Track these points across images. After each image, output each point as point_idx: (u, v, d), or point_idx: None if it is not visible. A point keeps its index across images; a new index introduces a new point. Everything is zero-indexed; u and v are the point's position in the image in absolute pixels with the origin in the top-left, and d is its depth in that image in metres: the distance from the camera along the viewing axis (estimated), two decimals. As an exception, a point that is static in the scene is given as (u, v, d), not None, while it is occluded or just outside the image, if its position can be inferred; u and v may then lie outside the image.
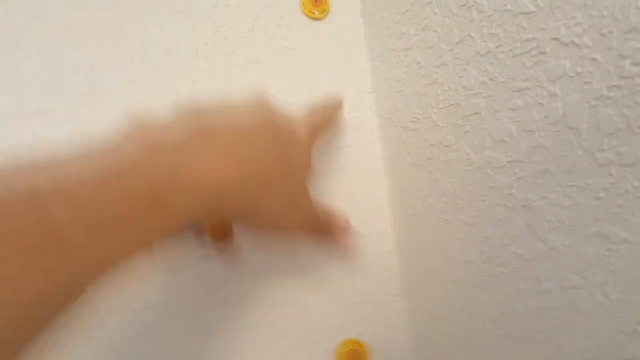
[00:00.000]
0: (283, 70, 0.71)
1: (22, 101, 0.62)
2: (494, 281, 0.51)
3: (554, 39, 0.40)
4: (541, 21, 0.42)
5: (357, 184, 0.70)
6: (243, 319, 0.63)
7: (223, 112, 0.42)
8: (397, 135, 0.66)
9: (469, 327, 0.55)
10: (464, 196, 0.54)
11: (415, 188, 0.63)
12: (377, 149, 0.71)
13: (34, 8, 0.65)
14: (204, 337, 0.61)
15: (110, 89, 0.65)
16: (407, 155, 0.64)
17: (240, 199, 0.39)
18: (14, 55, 0.63)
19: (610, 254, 0.38)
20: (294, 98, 0.70)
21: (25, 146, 0.61)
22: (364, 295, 0.68)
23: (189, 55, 0.68)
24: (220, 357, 0.61)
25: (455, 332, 0.58)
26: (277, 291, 0.65)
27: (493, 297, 0.51)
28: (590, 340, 0.41)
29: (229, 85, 0.68)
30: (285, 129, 0.45)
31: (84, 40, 0.66)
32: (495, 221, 0.49)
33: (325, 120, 0.59)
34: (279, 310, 0.65)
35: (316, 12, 0.74)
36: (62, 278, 0.28)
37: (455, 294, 0.57)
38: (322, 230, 0.53)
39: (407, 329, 0.67)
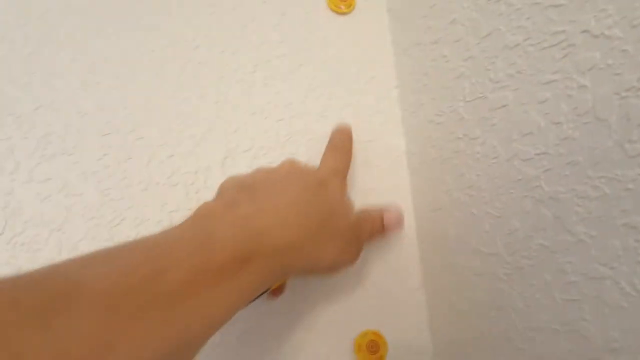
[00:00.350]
0: (309, 64, 0.72)
1: (55, 92, 0.64)
2: (520, 273, 0.51)
3: (584, 31, 0.41)
4: (571, 14, 0.42)
5: (380, 178, 0.71)
6: (265, 306, 0.64)
7: (269, 181, 0.49)
8: (422, 129, 0.66)
9: (492, 321, 0.56)
10: (491, 189, 0.54)
11: (439, 182, 0.63)
12: (402, 143, 0.72)
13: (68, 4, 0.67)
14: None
15: (140, 80, 0.66)
16: (432, 149, 0.65)
17: (305, 255, 0.45)
18: (50, 48, 0.65)
19: (638, 245, 0.38)
20: (319, 92, 0.71)
21: (57, 135, 0.62)
22: (385, 288, 0.68)
23: (216, 49, 0.70)
24: (241, 342, 0.62)
25: (477, 325, 0.58)
26: (298, 282, 0.66)
27: (518, 289, 0.51)
28: (617, 332, 0.41)
29: (255, 80, 0.69)
30: (320, 182, 0.52)
31: (116, 34, 0.68)
32: (522, 213, 0.49)
33: (347, 161, 0.63)
34: (300, 299, 0.66)
35: (342, 7, 0.75)
36: (177, 335, 0.32)
37: (478, 287, 0.58)
38: (374, 236, 0.60)
39: (428, 322, 0.68)
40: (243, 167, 0.67)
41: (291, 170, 0.53)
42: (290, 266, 0.44)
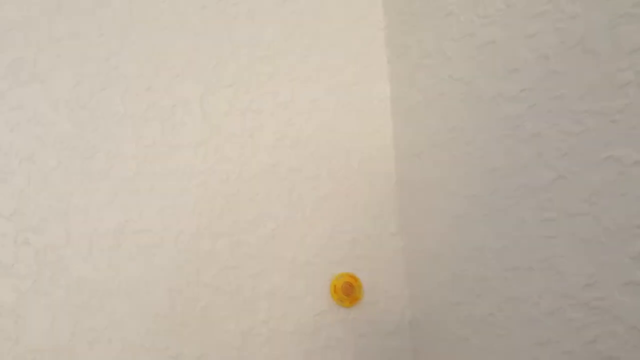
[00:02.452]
0: (295, 0, 0.69)
1: (27, 14, 0.61)
2: (498, 214, 0.51)
3: (579, -42, 0.39)
4: (567, -59, 0.40)
5: (363, 122, 0.70)
6: (244, 247, 0.63)
7: None
8: (408, 72, 0.65)
9: (469, 262, 0.56)
10: (473, 130, 0.53)
11: (422, 126, 0.63)
12: (387, 87, 0.71)
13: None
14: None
15: (116, 5, 0.63)
16: (417, 93, 0.63)
17: None
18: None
19: (620, 177, 0.38)
20: (304, 30, 0.69)
21: (28, 60, 0.60)
22: (363, 232, 0.68)
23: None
24: (219, 282, 0.62)
25: (453, 267, 0.58)
26: (275, 229, 0.65)
27: (496, 230, 0.51)
28: (593, 267, 0.41)
29: (239, 12, 0.67)
30: None
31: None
32: (504, 152, 0.49)
33: None
34: (278, 240, 0.65)
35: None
36: None
37: (456, 230, 0.57)
38: None
39: (404, 266, 0.68)
40: (223, 104, 0.65)
41: None
42: None
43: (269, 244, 0.65)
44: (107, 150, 0.61)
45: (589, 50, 0.39)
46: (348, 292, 0.64)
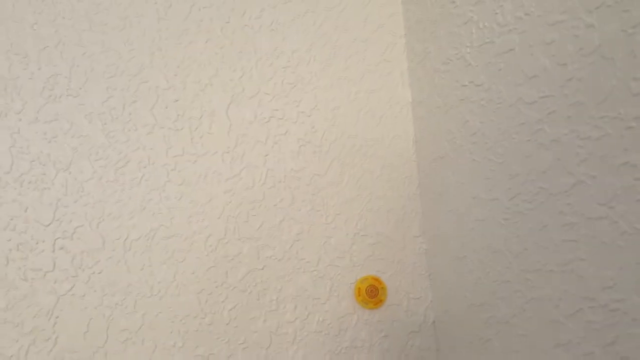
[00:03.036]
0: (316, 11, 0.71)
1: (61, 33, 0.64)
2: (519, 217, 0.51)
3: (595, -32, 0.40)
4: (582, -49, 0.41)
5: (384, 128, 0.71)
6: (269, 250, 0.65)
7: None
8: (428, 78, 0.66)
9: (490, 264, 0.57)
10: (494, 135, 0.54)
11: (443, 131, 0.64)
12: (407, 93, 0.72)
13: None
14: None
15: (145, 23, 0.66)
16: (437, 98, 0.65)
17: None
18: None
19: (637, 183, 0.39)
20: (326, 40, 0.71)
21: (64, 76, 0.63)
22: (386, 235, 0.69)
23: None
24: (246, 284, 0.64)
25: (475, 270, 0.59)
26: (301, 228, 0.67)
27: (517, 233, 0.52)
28: (612, 270, 0.42)
29: (262, 25, 0.69)
30: None
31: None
32: (524, 157, 0.50)
33: None
34: (303, 244, 0.67)
35: (351, -46, 0.74)
36: None
37: (478, 233, 0.58)
38: None
39: (427, 268, 0.69)
40: (248, 113, 0.67)
41: None
42: None
43: (293, 247, 0.67)
44: (138, 159, 0.63)
45: (606, 58, 0.40)
46: (372, 294, 0.66)
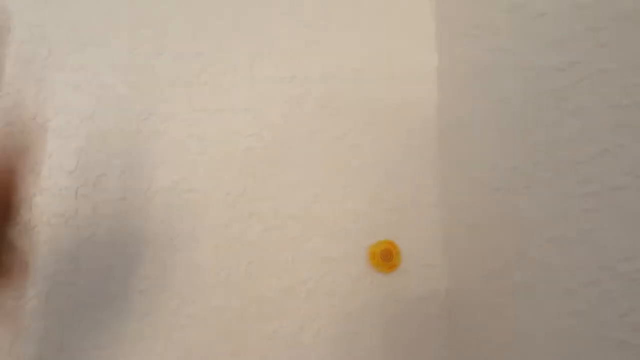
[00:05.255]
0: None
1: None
2: (540, 186, 0.51)
3: None
4: None
5: (407, 92, 0.70)
6: (288, 210, 0.66)
7: None
8: (456, 43, 0.65)
9: (508, 233, 0.56)
10: (519, 102, 0.53)
11: (468, 97, 0.63)
12: (433, 57, 0.71)
13: None
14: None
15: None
16: (463, 64, 0.64)
17: None
18: None
19: (665, 152, 0.38)
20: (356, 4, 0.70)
21: (89, 25, 0.63)
22: (403, 201, 0.69)
23: None
24: (263, 242, 0.65)
25: (491, 238, 0.59)
26: (317, 191, 0.67)
27: (537, 201, 0.52)
28: (634, 240, 0.41)
29: None
30: None
31: None
32: (549, 125, 0.49)
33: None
34: (320, 205, 0.67)
35: None
36: None
37: (497, 201, 0.58)
38: None
39: (443, 235, 0.69)
40: (270, 71, 0.67)
41: None
42: None
43: (310, 208, 0.67)
44: (161, 112, 0.64)
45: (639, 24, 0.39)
46: (386, 258, 0.66)
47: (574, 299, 0.47)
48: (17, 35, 0.61)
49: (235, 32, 0.66)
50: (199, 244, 0.64)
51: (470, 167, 0.63)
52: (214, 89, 0.65)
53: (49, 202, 0.60)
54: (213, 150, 0.65)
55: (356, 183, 0.69)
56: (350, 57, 0.68)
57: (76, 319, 0.59)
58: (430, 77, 0.71)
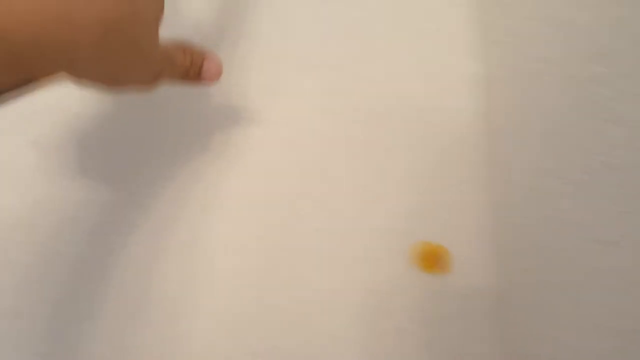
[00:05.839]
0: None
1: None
2: (586, 190, 0.53)
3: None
4: None
5: (452, 100, 0.74)
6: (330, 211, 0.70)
7: None
8: (498, 52, 0.68)
9: (555, 235, 0.58)
10: (563, 110, 0.55)
11: (513, 105, 0.65)
12: (477, 66, 0.74)
13: None
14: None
15: None
16: (506, 72, 0.66)
17: (59, 51, 0.33)
18: None
19: None
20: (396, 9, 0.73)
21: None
22: (451, 204, 0.72)
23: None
24: (304, 244, 0.69)
25: (539, 240, 0.61)
26: (356, 185, 0.72)
27: (583, 204, 0.53)
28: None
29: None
30: None
31: None
32: (592, 133, 0.51)
33: None
34: (368, 206, 0.71)
35: None
36: None
37: (544, 205, 0.60)
38: (185, 79, 0.48)
39: (490, 237, 0.71)
40: (311, 83, 0.73)
41: None
42: (35, 58, 0.32)
43: (360, 210, 0.71)
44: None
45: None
46: (433, 259, 0.69)
47: (619, 301, 0.49)
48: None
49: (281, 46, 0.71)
50: (240, 241, 0.68)
51: (518, 172, 0.65)
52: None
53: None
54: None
55: (404, 185, 0.73)
56: (393, 66, 0.72)
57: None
58: (474, 85, 0.73)
